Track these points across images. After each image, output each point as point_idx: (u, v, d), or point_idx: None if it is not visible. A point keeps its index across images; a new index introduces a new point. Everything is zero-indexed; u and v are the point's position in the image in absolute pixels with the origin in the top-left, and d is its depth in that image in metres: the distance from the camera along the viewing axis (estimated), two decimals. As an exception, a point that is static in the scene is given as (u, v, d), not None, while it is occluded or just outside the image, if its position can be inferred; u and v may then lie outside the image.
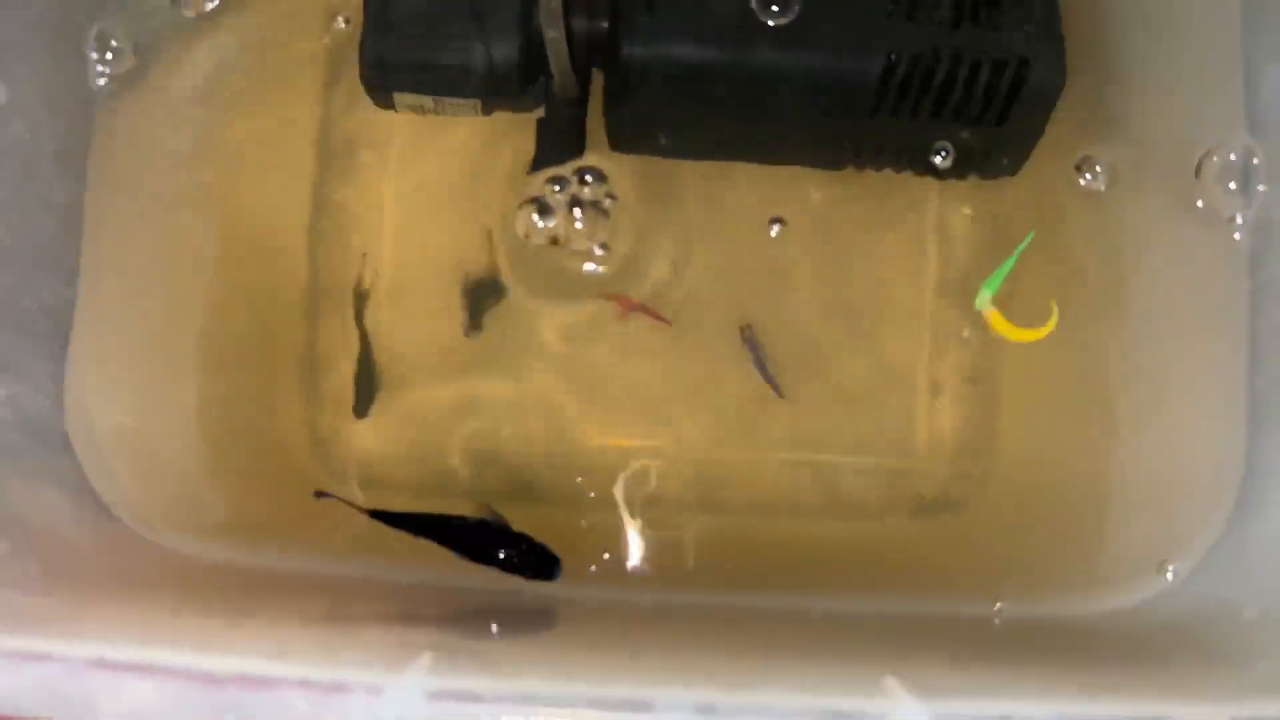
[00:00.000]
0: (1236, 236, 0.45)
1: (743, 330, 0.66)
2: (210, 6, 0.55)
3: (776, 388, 0.66)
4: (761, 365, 0.66)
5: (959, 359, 0.68)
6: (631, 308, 0.68)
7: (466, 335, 0.66)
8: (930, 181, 0.68)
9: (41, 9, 0.43)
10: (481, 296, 0.66)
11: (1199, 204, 0.49)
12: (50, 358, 0.44)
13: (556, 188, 0.66)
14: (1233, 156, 0.46)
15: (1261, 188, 0.46)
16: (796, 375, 0.69)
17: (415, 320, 0.66)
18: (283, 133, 0.67)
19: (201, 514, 0.50)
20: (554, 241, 0.66)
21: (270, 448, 0.64)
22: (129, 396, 0.49)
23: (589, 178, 0.66)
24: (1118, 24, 0.58)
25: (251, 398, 0.63)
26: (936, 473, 0.68)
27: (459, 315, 0.65)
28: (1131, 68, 0.57)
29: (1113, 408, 0.53)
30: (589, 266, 0.67)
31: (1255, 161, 0.45)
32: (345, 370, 0.67)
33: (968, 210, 0.69)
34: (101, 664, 0.29)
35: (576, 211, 0.65)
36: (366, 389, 0.65)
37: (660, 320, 0.68)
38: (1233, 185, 0.47)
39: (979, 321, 0.68)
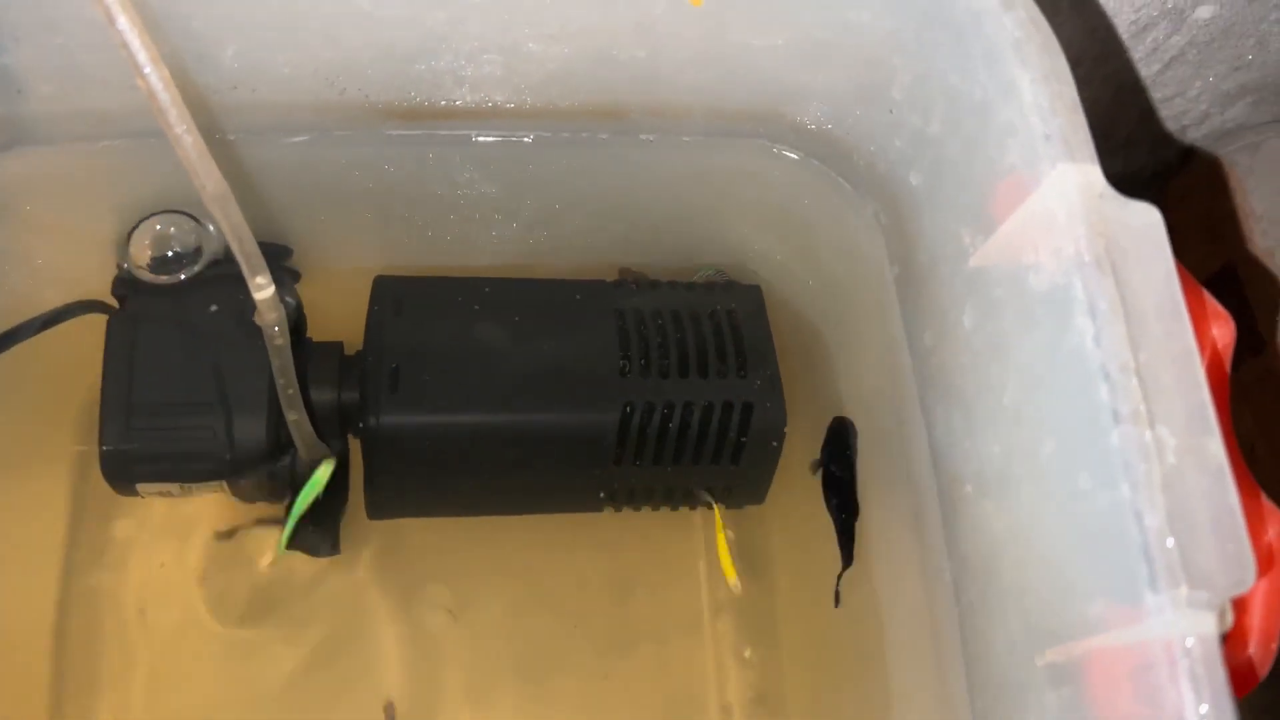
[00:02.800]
0: (947, 565, 0.48)
1: (386, 709, 0.65)
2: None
3: None
4: None
5: (742, 680, 0.69)
6: None
7: None
8: (695, 512, 0.71)
9: None
10: None
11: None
12: None
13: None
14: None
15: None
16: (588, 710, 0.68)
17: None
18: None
19: None
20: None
21: None
22: None
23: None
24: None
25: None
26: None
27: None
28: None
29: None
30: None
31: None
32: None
33: (730, 533, 0.72)
34: None
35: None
36: None
37: None
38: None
39: (758, 640, 0.70)
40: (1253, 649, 0.40)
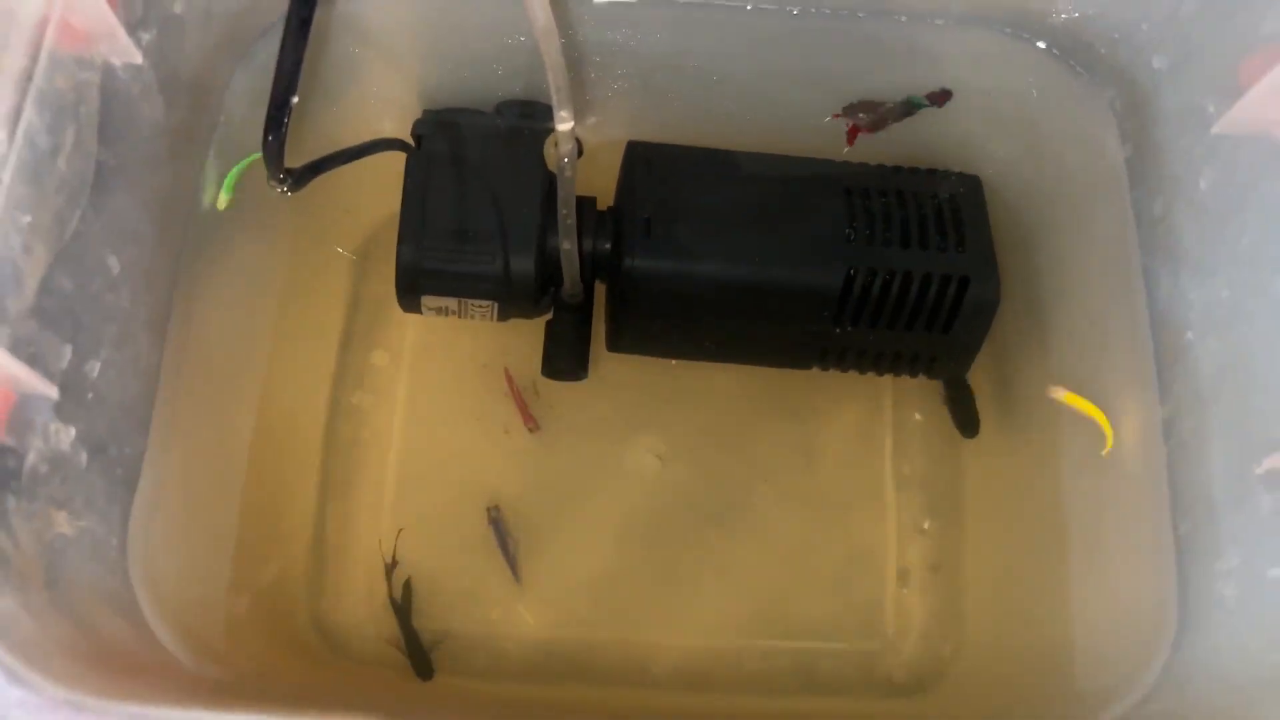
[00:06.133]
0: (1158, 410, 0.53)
1: (489, 511, 0.71)
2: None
3: (516, 571, 0.71)
4: (505, 546, 0.71)
5: (922, 548, 0.75)
6: (515, 395, 0.74)
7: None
8: (885, 388, 0.77)
9: (155, 195, 0.51)
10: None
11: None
12: (119, 501, 0.49)
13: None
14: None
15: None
16: (771, 562, 0.75)
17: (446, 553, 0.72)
18: (309, 338, 0.75)
19: (227, 661, 0.53)
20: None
21: (278, 622, 0.67)
22: (176, 548, 0.53)
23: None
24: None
25: (268, 577, 0.67)
26: (906, 655, 0.73)
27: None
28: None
29: (1065, 573, 0.60)
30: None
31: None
32: (345, 562, 0.72)
33: (919, 416, 0.78)
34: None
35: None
36: (419, 654, 0.69)
37: (528, 420, 0.74)
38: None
39: (938, 511, 0.76)
40: None
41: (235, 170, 0.58)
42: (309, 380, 0.74)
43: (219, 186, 0.56)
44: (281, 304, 0.69)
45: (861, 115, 0.67)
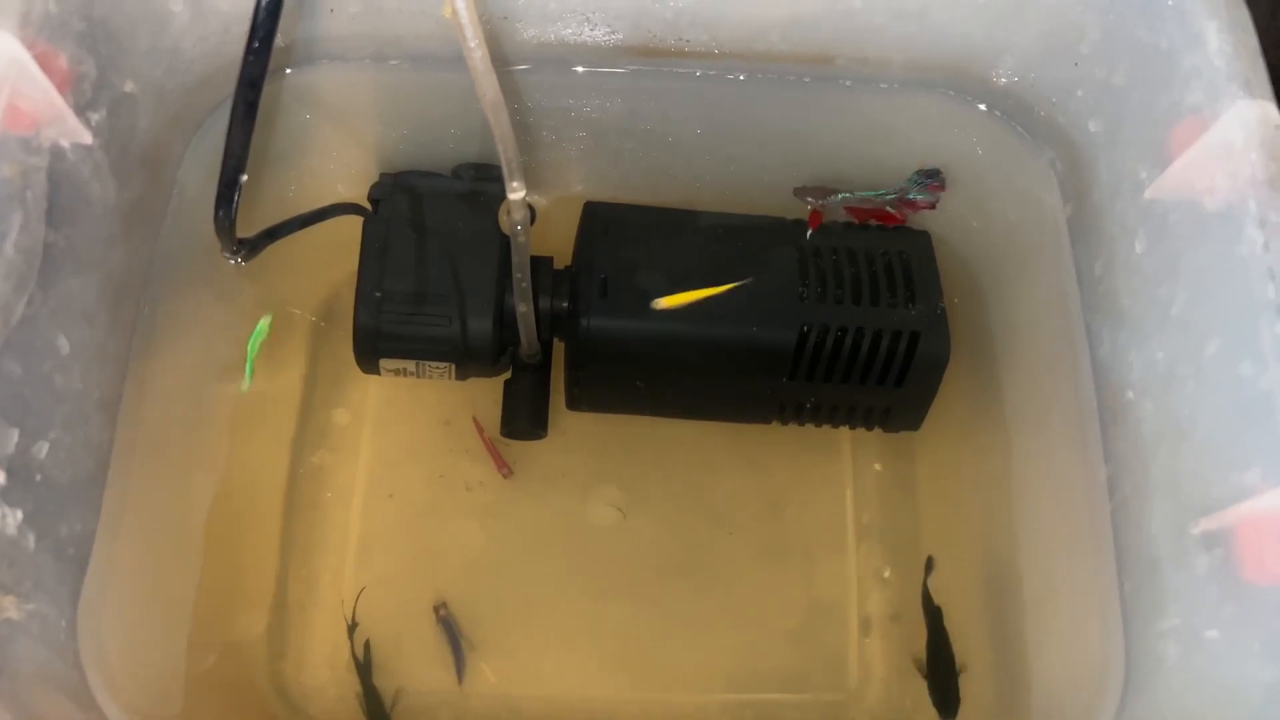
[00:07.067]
0: (1102, 468, 0.54)
1: (437, 610, 0.71)
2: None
3: (460, 673, 0.70)
4: (454, 645, 0.71)
5: (883, 597, 0.75)
6: (485, 443, 0.75)
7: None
8: (844, 439, 0.78)
9: (108, 274, 0.52)
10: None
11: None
12: (69, 581, 0.49)
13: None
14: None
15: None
16: (735, 614, 0.75)
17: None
18: (270, 401, 0.75)
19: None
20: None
21: (240, 691, 0.67)
22: (129, 623, 0.53)
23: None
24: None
25: (228, 644, 0.67)
26: (869, 704, 0.73)
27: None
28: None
29: (1021, 626, 0.61)
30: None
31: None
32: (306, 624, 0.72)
33: (878, 466, 0.79)
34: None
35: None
36: (379, 713, 0.69)
37: (501, 466, 0.75)
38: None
39: (898, 560, 0.76)
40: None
41: (251, 353, 0.64)
42: (270, 442, 0.74)
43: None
44: (240, 369, 0.69)
45: (810, 200, 0.68)
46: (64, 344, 0.48)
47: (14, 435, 0.44)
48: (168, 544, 0.60)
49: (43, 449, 0.46)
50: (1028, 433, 0.64)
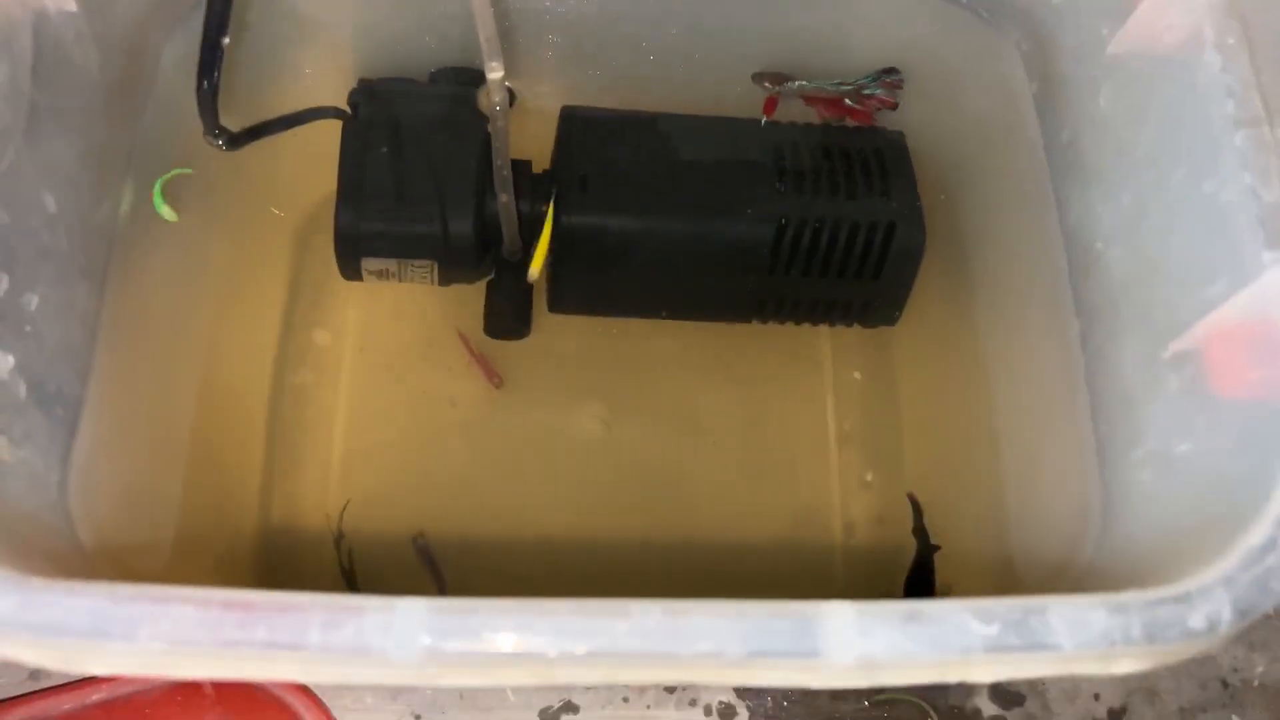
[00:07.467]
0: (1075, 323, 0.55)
1: (415, 540, 0.70)
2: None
3: (443, 586, 0.69)
4: (436, 575, 0.70)
5: (866, 501, 0.76)
6: (472, 354, 0.76)
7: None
8: (824, 350, 0.79)
9: (91, 146, 0.52)
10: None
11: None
12: (59, 441, 0.49)
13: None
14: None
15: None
16: (721, 523, 0.76)
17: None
18: (251, 316, 0.75)
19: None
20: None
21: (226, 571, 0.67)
22: (118, 502, 0.53)
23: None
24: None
25: (214, 555, 0.67)
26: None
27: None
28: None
29: (1000, 489, 0.62)
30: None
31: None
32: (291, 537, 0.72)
33: (858, 375, 0.80)
34: (145, 596, 0.34)
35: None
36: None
37: (491, 376, 0.75)
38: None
39: (880, 464, 0.77)
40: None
41: (160, 181, 0.58)
42: (251, 359, 0.75)
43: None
44: (222, 279, 0.69)
45: (767, 84, 0.69)
46: (50, 202, 0.48)
47: (4, 280, 0.45)
48: (154, 438, 0.60)
49: (32, 301, 0.47)
50: (1002, 313, 0.66)
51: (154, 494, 0.60)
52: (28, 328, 0.46)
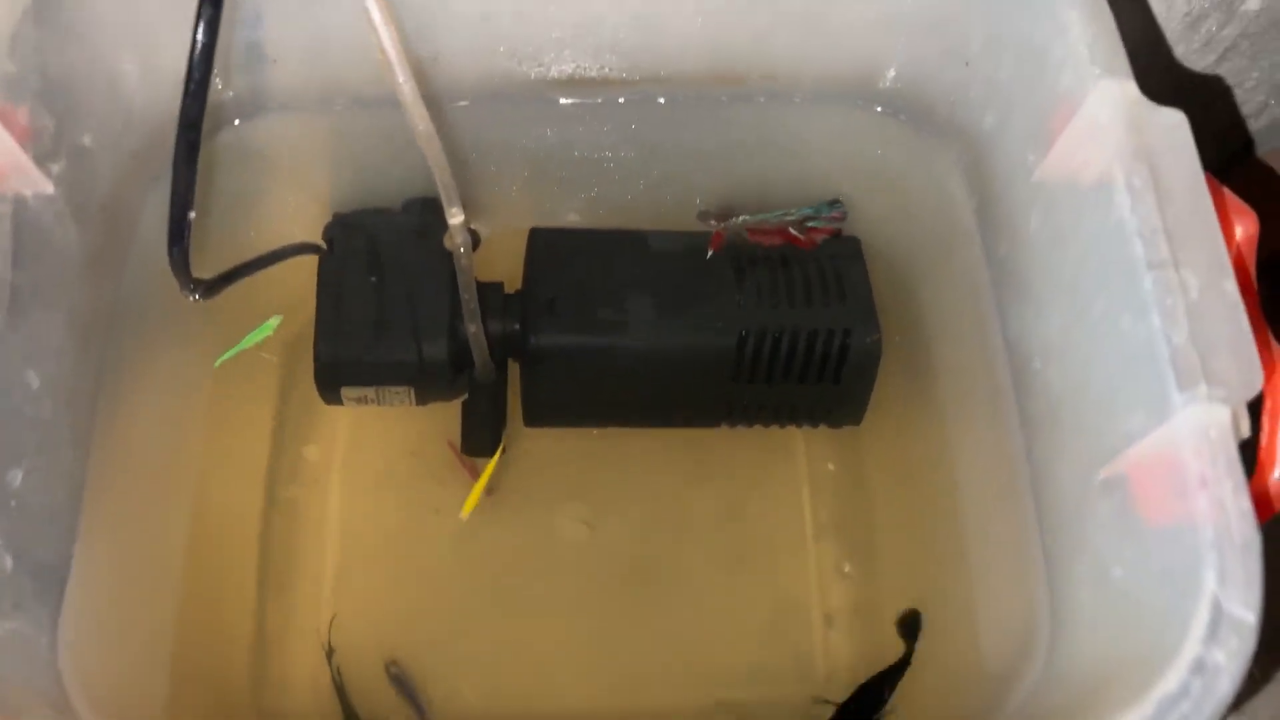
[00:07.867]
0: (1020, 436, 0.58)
1: (388, 668, 0.73)
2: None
3: (423, 714, 0.71)
4: (413, 699, 0.72)
5: (844, 591, 0.78)
6: (464, 464, 0.78)
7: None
8: (797, 443, 0.82)
9: (74, 314, 0.55)
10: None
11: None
12: (48, 604, 0.51)
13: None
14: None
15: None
16: (703, 617, 0.78)
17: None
18: (240, 438, 0.78)
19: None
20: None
21: (222, 715, 0.69)
22: (110, 649, 0.56)
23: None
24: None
25: (209, 673, 0.69)
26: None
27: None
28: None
29: (970, 596, 0.64)
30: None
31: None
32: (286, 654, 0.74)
33: (831, 466, 0.82)
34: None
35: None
36: None
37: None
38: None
39: (856, 554, 0.79)
40: (1273, 477, 0.48)
41: (244, 343, 0.66)
42: (242, 478, 0.77)
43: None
44: (209, 408, 0.72)
45: (713, 221, 0.72)
46: (33, 378, 0.51)
47: (-12, 463, 0.47)
48: (145, 575, 0.63)
49: (17, 477, 0.49)
50: (958, 415, 0.68)
51: (147, 630, 0.62)
52: (12, 503, 0.49)
